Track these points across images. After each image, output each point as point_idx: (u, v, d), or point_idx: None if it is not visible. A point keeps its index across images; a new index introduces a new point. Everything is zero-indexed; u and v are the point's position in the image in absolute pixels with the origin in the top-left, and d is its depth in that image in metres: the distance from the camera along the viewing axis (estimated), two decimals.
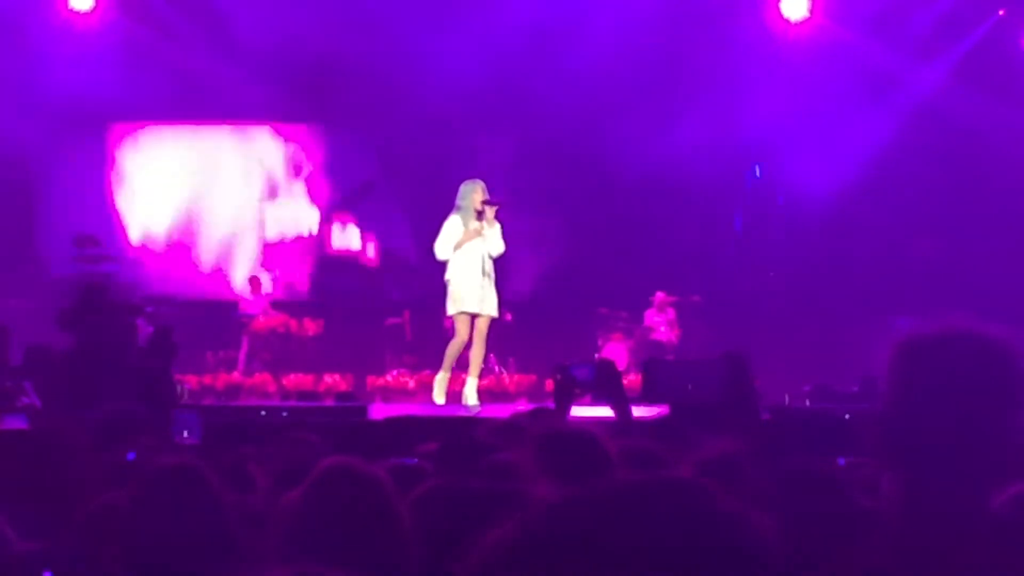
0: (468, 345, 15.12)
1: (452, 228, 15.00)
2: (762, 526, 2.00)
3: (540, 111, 21.18)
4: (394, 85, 21.88)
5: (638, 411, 11.45)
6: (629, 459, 5.25)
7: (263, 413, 14.22)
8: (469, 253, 14.95)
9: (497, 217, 14.99)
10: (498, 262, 15.16)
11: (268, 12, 21.31)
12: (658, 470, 4.79)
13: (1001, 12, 22.34)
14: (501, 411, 13.26)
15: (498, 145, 22.10)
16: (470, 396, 15.07)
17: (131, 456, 5.74)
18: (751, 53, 21.93)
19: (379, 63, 21.85)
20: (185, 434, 7.83)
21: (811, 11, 22.17)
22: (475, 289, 14.95)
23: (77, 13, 21.72)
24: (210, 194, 23.46)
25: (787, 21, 22.27)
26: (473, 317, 14.98)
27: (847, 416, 12.58)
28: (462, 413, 13.93)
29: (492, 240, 14.96)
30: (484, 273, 14.97)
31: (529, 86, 21.15)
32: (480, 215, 14.93)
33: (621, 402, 7.62)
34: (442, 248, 15.02)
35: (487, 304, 15.03)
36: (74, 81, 21.09)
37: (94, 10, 21.76)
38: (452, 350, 15.44)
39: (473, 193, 15.02)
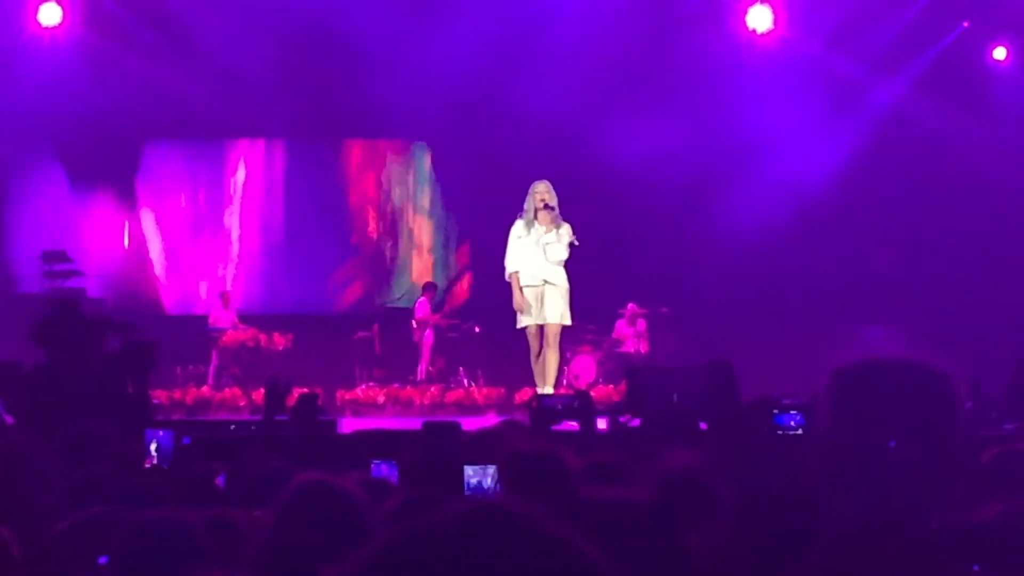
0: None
1: (514, 235, 14.88)
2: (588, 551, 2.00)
3: (506, 124, 21.22)
4: (364, 94, 21.92)
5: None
6: (593, 473, 5.32)
7: (233, 428, 14.23)
8: (529, 262, 14.79)
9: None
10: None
11: (235, 26, 21.31)
12: (621, 484, 4.87)
13: (966, 24, 22.46)
14: (470, 424, 13.30)
15: (465, 157, 22.17)
16: None
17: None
18: (717, 64, 22.00)
19: (349, 72, 21.90)
20: (154, 453, 7.81)
21: (776, 23, 22.25)
22: (534, 299, 14.81)
23: (45, 28, 21.71)
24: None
25: (753, 32, 22.35)
26: (540, 327, 14.90)
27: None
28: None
29: (549, 247, 14.77)
30: (543, 281, 14.80)
31: (495, 99, 21.20)
32: (536, 214, 14.82)
33: (590, 426, 7.81)
34: (508, 263, 14.90)
35: (549, 312, 14.83)
36: (41, 95, 21.08)
37: (61, 24, 21.75)
38: (534, 364, 15.23)
39: (533, 195, 14.88)
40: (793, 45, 22.34)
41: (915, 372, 2.95)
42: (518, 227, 14.79)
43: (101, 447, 6.82)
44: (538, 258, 14.70)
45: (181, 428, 13.70)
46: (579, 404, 8.79)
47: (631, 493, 3.08)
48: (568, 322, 15.00)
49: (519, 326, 14.90)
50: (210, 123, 22.45)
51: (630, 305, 21.30)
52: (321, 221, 23.55)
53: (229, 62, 21.21)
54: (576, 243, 14.74)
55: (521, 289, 14.69)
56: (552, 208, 14.76)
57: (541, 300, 14.76)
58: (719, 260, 21.56)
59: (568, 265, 15.02)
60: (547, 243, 14.67)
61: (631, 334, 21.25)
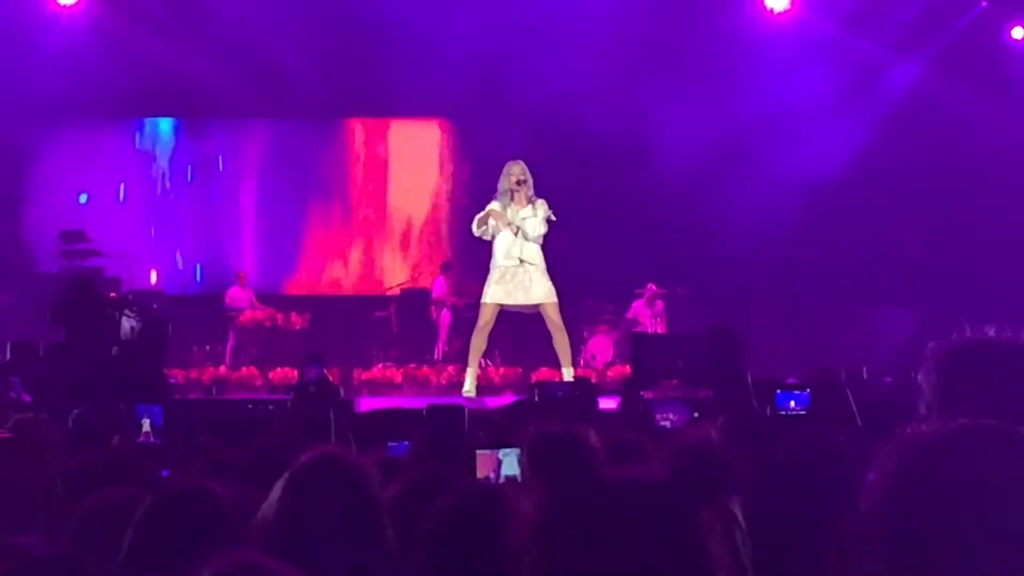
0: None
1: (487, 208, 15.02)
2: None
3: (522, 104, 21.22)
4: (383, 71, 21.92)
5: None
6: (612, 452, 5.34)
7: (250, 407, 14.25)
8: (504, 238, 14.87)
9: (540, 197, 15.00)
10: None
11: (252, 6, 21.30)
12: (639, 462, 4.88)
13: (984, 3, 22.38)
14: (488, 403, 13.33)
15: (481, 139, 22.16)
16: None
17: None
18: (735, 44, 21.95)
19: (367, 49, 21.88)
20: (146, 428, 7.81)
21: (793, 2, 22.19)
22: (504, 277, 14.90)
23: (63, 7, 21.73)
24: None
25: (770, 12, 22.30)
26: (499, 307, 15.02)
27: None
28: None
29: (526, 223, 14.84)
30: (518, 260, 14.87)
31: (511, 80, 21.15)
32: (512, 195, 14.90)
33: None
34: (475, 226, 15.03)
35: (536, 293, 14.93)
36: (60, 74, 21.11)
37: (79, 3, 21.76)
38: (473, 342, 15.40)
39: (508, 175, 14.97)
40: (810, 25, 22.27)
41: (1020, 352, 2.92)
42: (492, 205, 14.94)
43: (113, 426, 6.84)
44: (511, 238, 14.80)
45: (197, 407, 13.80)
46: (580, 392, 8.82)
47: (650, 471, 3.08)
48: (555, 299, 15.07)
49: (484, 299, 15.05)
50: (225, 102, 22.43)
51: (650, 285, 21.28)
52: (332, 200, 23.60)
53: (246, 41, 21.20)
54: (553, 218, 14.85)
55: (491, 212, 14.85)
56: (526, 184, 14.86)
57: (520, 282, 14.85)
58: (736, 241, 21.52)
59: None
60: (524, 218, 14.75)
61: (648, 314, 21.24)
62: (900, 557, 2.19)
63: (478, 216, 14.98)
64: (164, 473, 6.65)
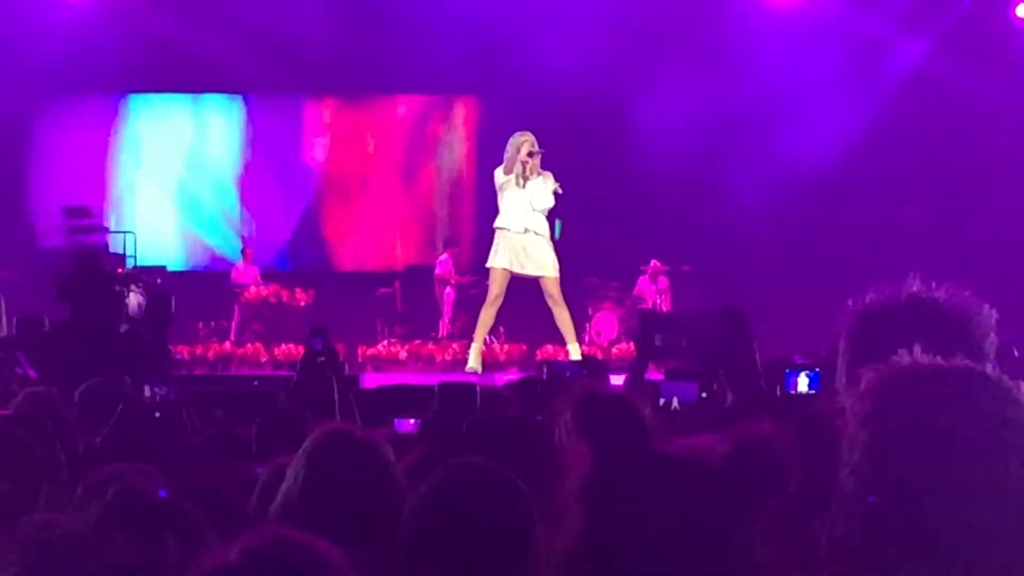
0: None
1: (496, 180, 15.04)
2: None
3: (527, 83, 21.18)
4: (398, 48, 21.90)
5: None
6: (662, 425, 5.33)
7: (255, 383, 14.27)
8: (512, 206, 14.89)
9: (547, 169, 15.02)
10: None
11: None
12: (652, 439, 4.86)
13: None
14: (492, 380, 13.31)
15: (487, 116, 22.13)
16: None
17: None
18: (740, 22, 21.92)
19: (383, 26, 21.86)
20: (147, 394, 7.75)
21: None
22: (514, 245, 14.93)
23: None
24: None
25: None
26: (508, 274, 15.01)
27: None
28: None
29: (536, 194, 14.86)
30: (526, 229, 14.89)
31: (517, 58, 21.12)
32: (524, 168, 14.91)
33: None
34: (500, 171, 15.10)
35: (540, 264, 14.95)
36: (66, 49, 21.07)
37: None
38: (483, 315, 15.40)
39: (515, 145, 14.97)
40: (815, 3, 22.24)
41: (934, 309, 2.88)
42: (498, 174, 15.02)
43: (119, 402, 6.83)
44: (523, 206, 14.82)
45: (202, 383, 13.79)
46: (590, 369, 8.80)
47: (704, 453, 3.08)
48: (557, 273, 15.10)
49: (490, 264, 15.05)
50: (237, 78, 22.41)
51: (653, 262, 21.25)
52: (342, 175, 23.58)
53: (258, 17, 21.15)
54: (560, 191, 14.87)
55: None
56: (539, 155, 14.90)
57: (525, 250, 14.88)
58: (741, 218, 21.50)
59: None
60: (534, 189, 14.78)
61: (653, 291, 21.21)
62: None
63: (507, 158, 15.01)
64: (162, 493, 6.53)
